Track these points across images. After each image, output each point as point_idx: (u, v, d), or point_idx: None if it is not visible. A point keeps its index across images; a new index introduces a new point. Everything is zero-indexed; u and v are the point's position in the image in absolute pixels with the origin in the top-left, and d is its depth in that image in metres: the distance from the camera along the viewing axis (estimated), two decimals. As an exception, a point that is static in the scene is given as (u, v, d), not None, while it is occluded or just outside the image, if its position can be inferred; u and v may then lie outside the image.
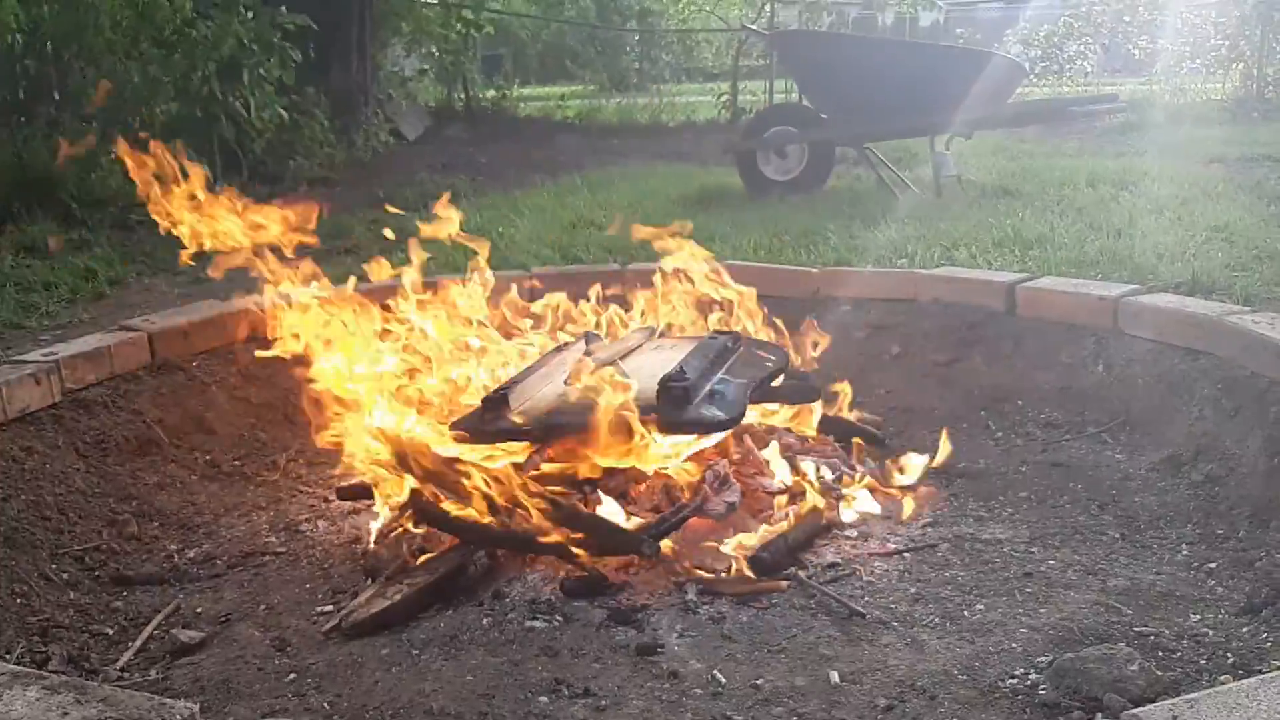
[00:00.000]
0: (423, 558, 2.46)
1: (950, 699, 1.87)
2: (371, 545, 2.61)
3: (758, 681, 1.96)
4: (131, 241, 5.63)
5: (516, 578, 2.39)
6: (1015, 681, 1.91)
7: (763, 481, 2.71)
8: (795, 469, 2.79)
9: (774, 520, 2.57)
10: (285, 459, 3.30)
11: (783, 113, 8.10)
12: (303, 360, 2.98)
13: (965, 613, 2.20)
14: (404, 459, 2.51)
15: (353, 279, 3.35)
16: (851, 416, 3.21)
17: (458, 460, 2.52)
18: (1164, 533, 2.59)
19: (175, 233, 2.97)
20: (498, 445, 2.63)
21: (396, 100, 11.14)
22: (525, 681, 1.98)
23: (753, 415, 2.88)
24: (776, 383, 3.01)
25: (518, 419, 2.57)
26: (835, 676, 1.96)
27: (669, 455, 2.62)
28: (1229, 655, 1.98)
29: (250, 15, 7.03)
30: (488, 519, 2.44)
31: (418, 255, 3.33)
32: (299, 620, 2.32)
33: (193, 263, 3.08)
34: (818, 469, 2.82)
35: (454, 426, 2.65)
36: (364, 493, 2.81)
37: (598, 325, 3.52)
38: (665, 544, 2.40)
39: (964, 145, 7.21)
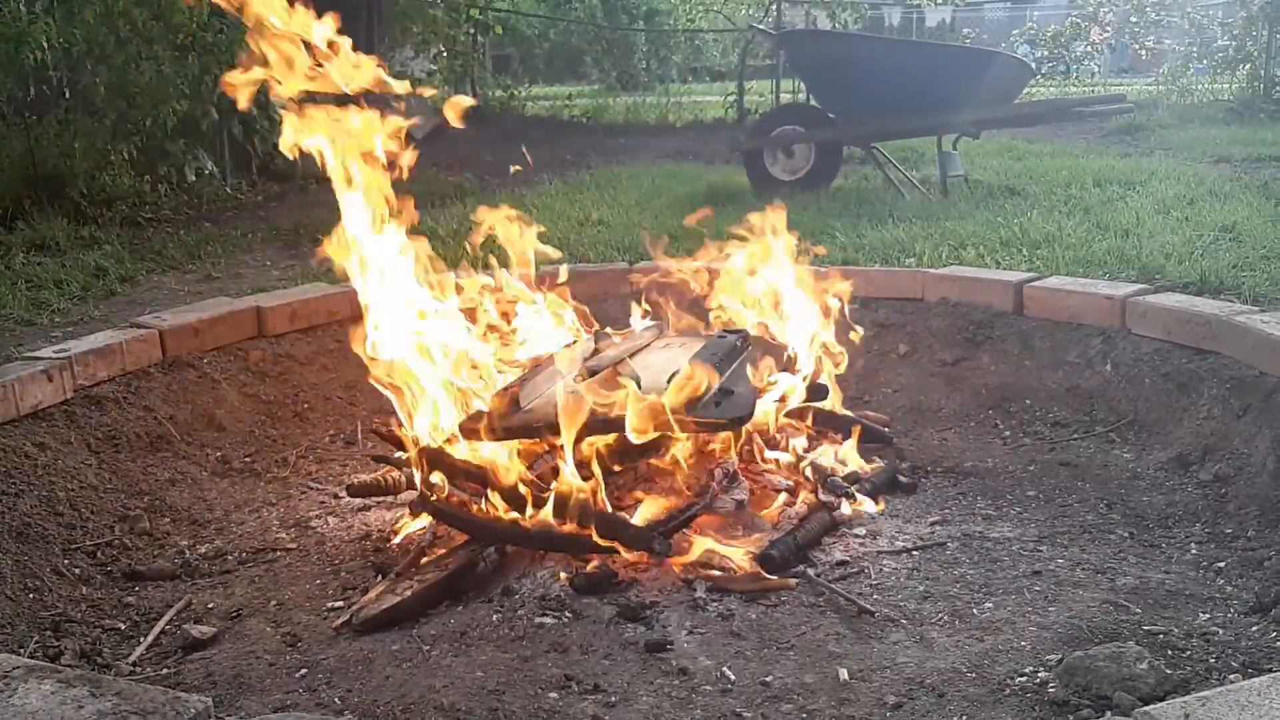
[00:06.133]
0: (432, 554, 2.47)
1: (959, 697, 1.88)
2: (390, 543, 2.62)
3: (767, 679, 1.97)
4: (142, 239, 5.66)
5: (526, 574, 2.39)
6: (1024, 679, 1.92)
7: (771, 479, 2.71)
8: (802, 467, 2.79)
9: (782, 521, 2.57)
10: (295, 456, 3.32)
11: (790, 112, 8.10)
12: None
13: (974, 611, 2.20)
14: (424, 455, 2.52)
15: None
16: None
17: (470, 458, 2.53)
18: (1172, 532, 2.59)
19: None
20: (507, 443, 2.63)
21: (407, 100, 11.17)
22: (535, 677, 1.99)
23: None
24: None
25: (527, 417, 2.58)
26: (844, 674, 1.97)
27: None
28: (1238, 654, 1.98)
29: None
30: (499, 515, 2.45)
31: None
32: (310, 616, 2.33)
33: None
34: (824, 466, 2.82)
35: (463, 425, 2.65)
36: (374, 489, 2.82)
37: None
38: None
39: (971, 145, 7.21)
